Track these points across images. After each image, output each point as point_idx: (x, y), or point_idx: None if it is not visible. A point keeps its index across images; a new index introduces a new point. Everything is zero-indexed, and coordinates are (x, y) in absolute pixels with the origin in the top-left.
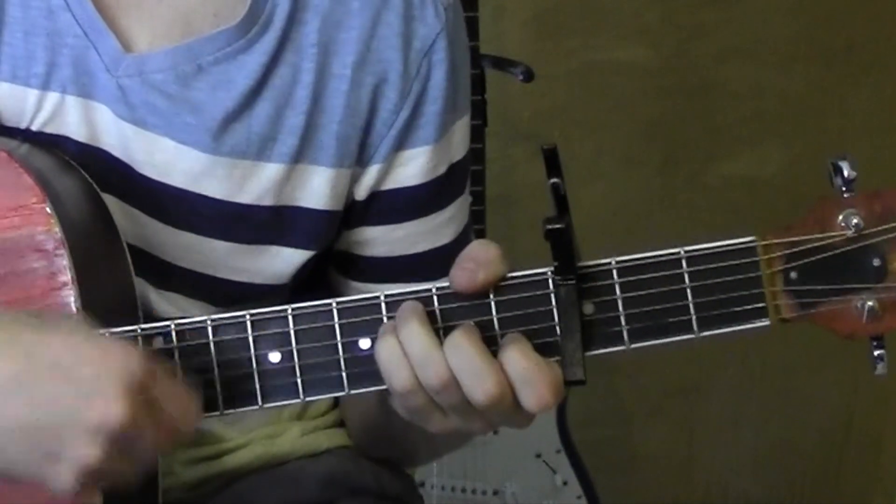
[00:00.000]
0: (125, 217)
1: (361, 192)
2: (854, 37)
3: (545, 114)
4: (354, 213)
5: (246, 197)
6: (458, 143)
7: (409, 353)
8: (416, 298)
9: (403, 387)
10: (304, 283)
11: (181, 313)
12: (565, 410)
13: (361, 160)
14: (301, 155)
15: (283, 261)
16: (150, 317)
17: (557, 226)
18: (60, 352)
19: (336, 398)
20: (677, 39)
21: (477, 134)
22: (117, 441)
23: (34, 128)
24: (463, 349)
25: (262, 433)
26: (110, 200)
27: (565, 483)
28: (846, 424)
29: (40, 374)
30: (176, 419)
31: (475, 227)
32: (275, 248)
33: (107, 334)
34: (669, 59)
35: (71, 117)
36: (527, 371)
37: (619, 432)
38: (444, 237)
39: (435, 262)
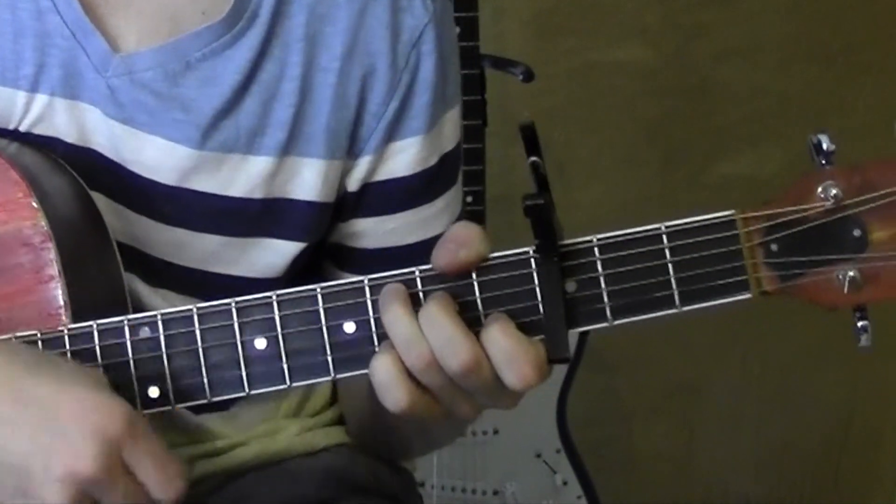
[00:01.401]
0: (116, 215)
1: (353, 184)
2: (854, 37)
3: (545, 114)
4: (347, 204)
5: (236, 190)
6: (449, 134)
7: (392, 337)
8: (400, 281)
9: (398, 405)
10: (298, 277)
11: (175, 303)
12: (565, 410)
13: (352, 152)
14: (290, 147)
15: (276, 253)
16: (142, 312)
17: (537, 202)
18: (46, 397)
19: (334, 395)
20: (677, 39)
21: (477, 134)
22: (85, 492)
23: (23, 129)
24: (437, 320)
25: (260, 431)
26: (100, 199)
27: (565, 483)
28: (846, 424)
29: (22, 416)
30: (154, 485)
31: None
32: (267, 241)
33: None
34: (669, 59)
35: (60, 119)
36: (509, 349)
37: (619, 432)
38: (437, 228)
39: (428, 253)
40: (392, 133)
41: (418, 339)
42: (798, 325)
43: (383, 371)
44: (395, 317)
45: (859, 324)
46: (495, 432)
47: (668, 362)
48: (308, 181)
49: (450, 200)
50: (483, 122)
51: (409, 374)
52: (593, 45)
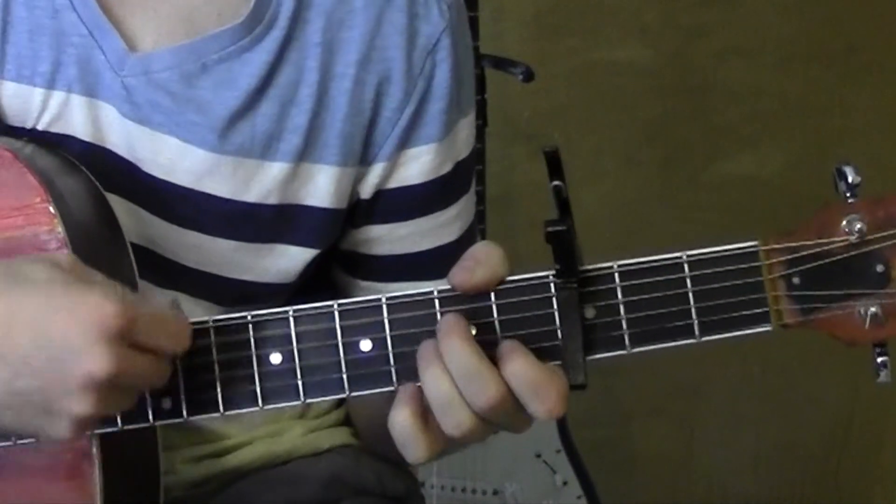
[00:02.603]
0: (130, 216)
1: (367, 191)
2: (854, 37)
3: (545, 114)
4: (360, 211)
5: (251, 195)
6: (463, 142)
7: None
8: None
9: (417, 458)
10: (309, 283)
11: (186, 314)
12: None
13: (366, 159)
14: (305, 154)
15: (289, 259)
16: None
17: (559, 228)
18: (34, 314)
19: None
20: (677, 39)
21: (477, 134)
22: (107, 388)
23: (40, 127)
24: (459, 354)
25: (264, 432)
26: (115, 200)
27: (565, 483)
28: (846, 424)
29: (18, 341)
30: (167, 348)
31: None
32: (281, 247)
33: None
34: (669, 59)
35: (76, 116)
36: (534, 381)
37: (619, 432)
38: (450, 235)
39: (440, 260)
40: (406, 140)
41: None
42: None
43: (402, 426)
44: (435, 377)
45: (879, 359)
46: (495, 432)
47: (668, 363)
48: (321, 188)
49: (463, 207)
50: (483, 122)
51: (427, 426)
52: (593, 45)
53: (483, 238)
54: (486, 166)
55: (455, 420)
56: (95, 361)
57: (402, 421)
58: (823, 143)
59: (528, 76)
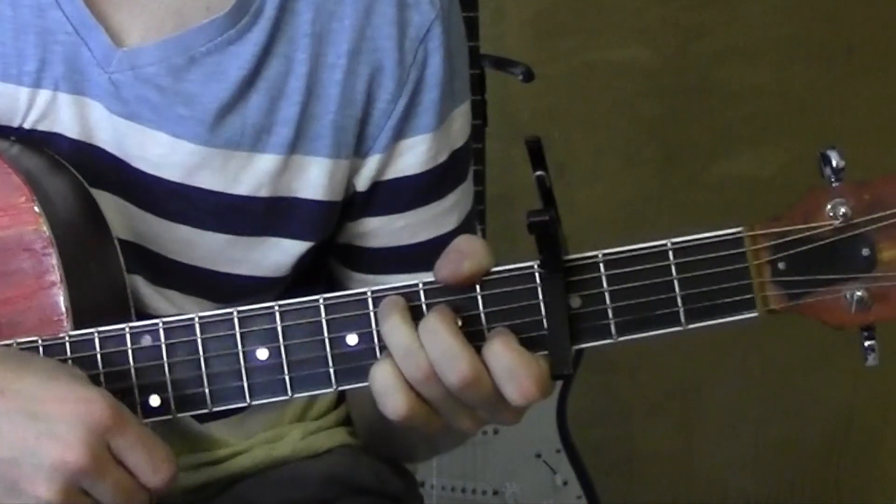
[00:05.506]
0: (120, 213)
1: (363, 183)
2: (854, 37)
3: (545, 114)
4: (356, 204)
5: (242, 188)
6: (458, 130)
7: (390, 347)
8: (403, 293)
9: (399, 415)
10: (304, 276)
11: (178, 310)
12: (565, 410)
13: (360, 151)
14: (296, 146)
15: (282, 252)
16: (146, 315)
17: (541, 218)
18: (32, 391)
19: (339, 397)
20: (677, 39)
21: (477, 134)
22: (75, 483)
23: (27, 126)
24: (436, 332)
25: (264, 437)
26: (105, 196)
27: (565, 483)
28: (846, 424)
29: (9, 410)
30: (145, 472)
31: None
32: (273, 240)
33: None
34: (669, 59)
35: (63, 114)
36: (510, 363)
37: (619, 432)
38: (447, 225)
39: (438, 251)
40: (401, 131)
41: (417, 350)
42: (798, 325)
43: (382, 379)
44: (393, 326)
45: (866, 343)
46: (495, 432)
47: (668, 362)
48: (314, 180)
49: (460, 197)
50: (483, 122)
51: (409, 383)
52: (593, 45)
53: (483, 238)
54: (486, 166)
55: (392, 404)
56: (72, 449)
57: (381, 373)
58: (823, 144)
59: (528, 76)
